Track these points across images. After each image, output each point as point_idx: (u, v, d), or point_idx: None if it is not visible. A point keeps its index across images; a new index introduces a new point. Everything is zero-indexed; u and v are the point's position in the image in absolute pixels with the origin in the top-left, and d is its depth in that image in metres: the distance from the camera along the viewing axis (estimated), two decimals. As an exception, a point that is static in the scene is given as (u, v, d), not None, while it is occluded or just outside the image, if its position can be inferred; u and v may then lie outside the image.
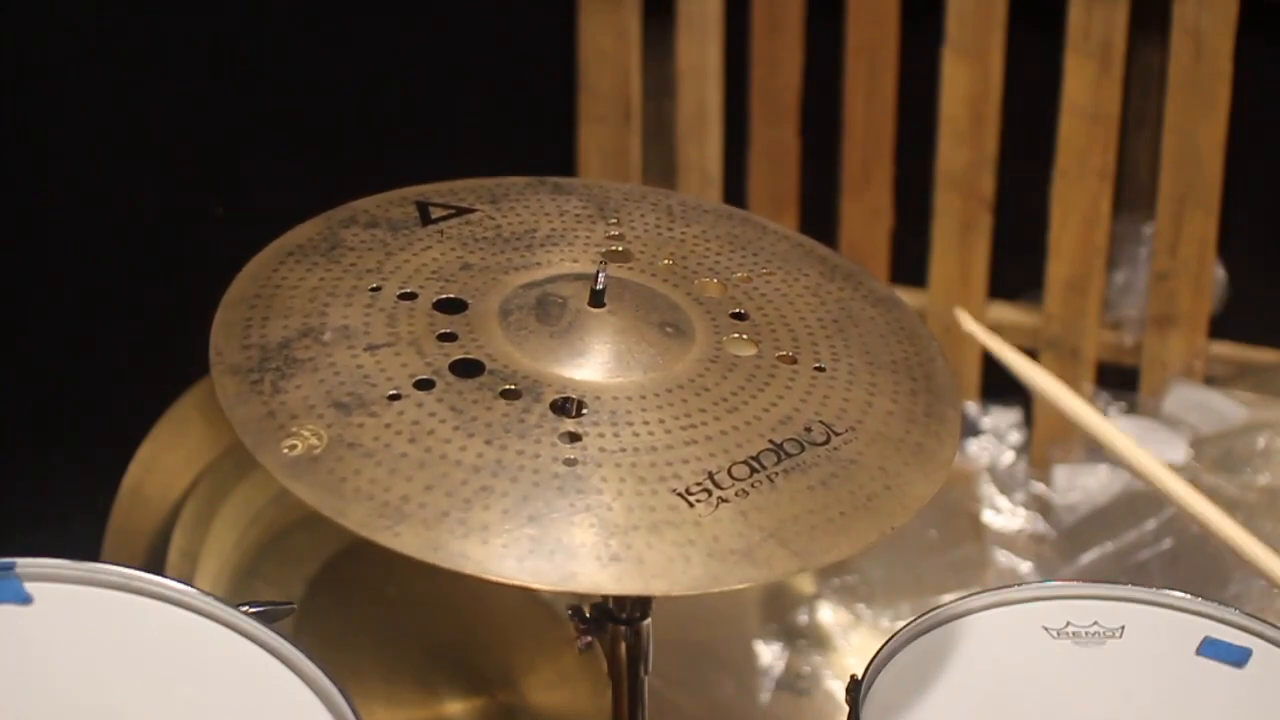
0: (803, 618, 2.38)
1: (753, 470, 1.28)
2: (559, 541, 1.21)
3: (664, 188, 2.11)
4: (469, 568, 1.19)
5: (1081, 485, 2.51)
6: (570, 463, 1.25)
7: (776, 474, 1.28)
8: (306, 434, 1.25)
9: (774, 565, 1.23)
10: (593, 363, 1.34)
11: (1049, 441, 2.59)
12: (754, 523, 1.24)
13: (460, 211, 1.51)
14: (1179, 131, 2.44)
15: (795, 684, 2.33)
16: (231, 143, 2.41)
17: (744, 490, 1.26)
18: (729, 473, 1.27)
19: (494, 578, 1.19)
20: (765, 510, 1.25)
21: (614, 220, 1.52)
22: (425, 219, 1.49)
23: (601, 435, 1.28)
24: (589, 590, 1.23)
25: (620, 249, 1.49)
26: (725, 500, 1.25)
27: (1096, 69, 2.44)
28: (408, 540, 1.20)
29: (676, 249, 1.51)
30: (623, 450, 1.27)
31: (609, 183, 1.61)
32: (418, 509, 1.21)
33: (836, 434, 1.34)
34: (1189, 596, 1.51)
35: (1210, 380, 2.54)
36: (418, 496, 1.22)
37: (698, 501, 1.25)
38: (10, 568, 1.32)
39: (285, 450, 1.25)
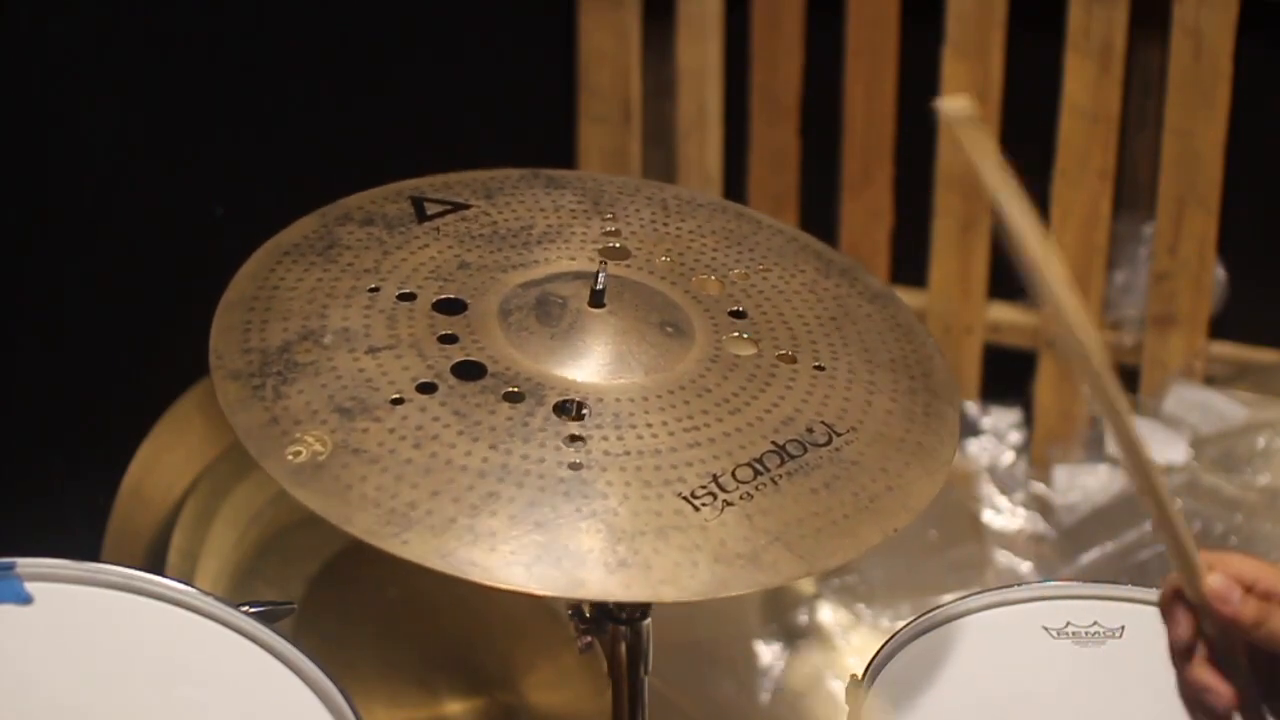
0: (803, 618, 2.38)
1: (756, 473, 1.27)
2: (566, 548, 1.20)
3: (664, 187, 2.10)
4: (477, 575, 1.18)
5: (1081, 485, 2.51)
6: (575, 467, 1.24)
7: (780, 476, 1.28)
8: (311, 440, 1.24)
9: (780, 569, 1.23)
10: (594, 364, 1.34)
11: (1049, 441, 2.59)
12: (759, 526, 1.24)
13: (456, 207, 1.49)
14: (1179, 131, 2.44)
15: (795, 684, 2.33)
16: (231, 143, 2.41)
17: (748, 493, 1.26)
18: (733, 475, 1.27)
19: (502, 585, 1.18)
20: (770, 513, 1.25)
21: (609, 216, 1.51)
22: (421, 216, 1.48)
23: (605, 438, 1.27)
24: (597, 597, 1.22)
25: (617, 245, 1.48)
26: (730, 504, 1.24)
27: (1096, 69, 2.44)
28: (415, 547, 1.19)
29: (673, 245, 1.50)
30: (626, 453, 1.26)
31: (602, 175, 1.60)
32: (425, 515, 1.20)
33: (838, 434, 1.33)
34: (1189, 597, 1.51)
35: (1210, 380, 2.54)
36: (425, 503, 1.21)
37: (703, 505, 1.24)
38: (10, 568, 1.32)
39: (290, 457, 1.23)
